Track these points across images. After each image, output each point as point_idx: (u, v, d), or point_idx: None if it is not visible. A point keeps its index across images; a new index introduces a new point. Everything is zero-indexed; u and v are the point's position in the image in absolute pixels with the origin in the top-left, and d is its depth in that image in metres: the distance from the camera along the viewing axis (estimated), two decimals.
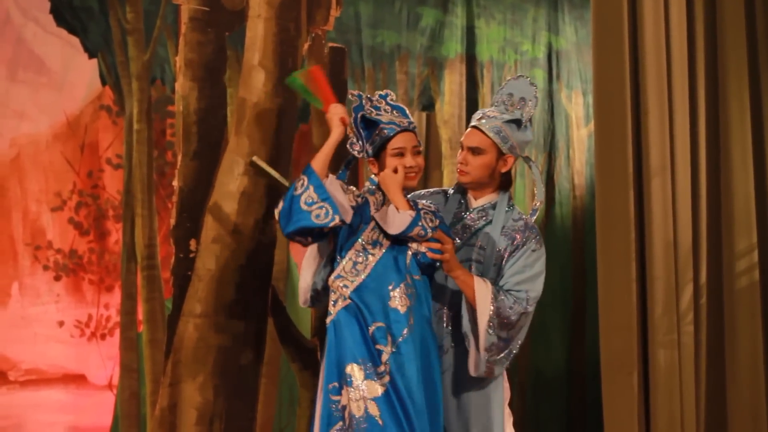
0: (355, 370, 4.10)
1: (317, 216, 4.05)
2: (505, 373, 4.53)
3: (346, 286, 4.17)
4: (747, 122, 5.92)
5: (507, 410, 4.54)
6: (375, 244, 4.21)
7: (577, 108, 6.89)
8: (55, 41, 5.72)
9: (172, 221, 5.77)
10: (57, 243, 5.66)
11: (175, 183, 5.79)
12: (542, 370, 6.71)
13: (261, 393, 5.90)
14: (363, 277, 4.17)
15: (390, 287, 4.16)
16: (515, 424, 4.61)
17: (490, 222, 4.44)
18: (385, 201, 4.26)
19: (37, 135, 5.68)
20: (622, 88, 5.75)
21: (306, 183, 4.07)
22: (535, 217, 4.57)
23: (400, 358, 4.10)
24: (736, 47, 5.92)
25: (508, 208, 4.49)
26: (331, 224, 4.08)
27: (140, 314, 5.74)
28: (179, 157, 5.79)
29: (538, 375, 6.70)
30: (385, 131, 4.24)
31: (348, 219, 4.15)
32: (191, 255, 5.77)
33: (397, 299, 4.16)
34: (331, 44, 6.16)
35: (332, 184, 4.13)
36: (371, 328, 4.12)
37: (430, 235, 4.19)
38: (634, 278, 5.70)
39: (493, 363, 4.30)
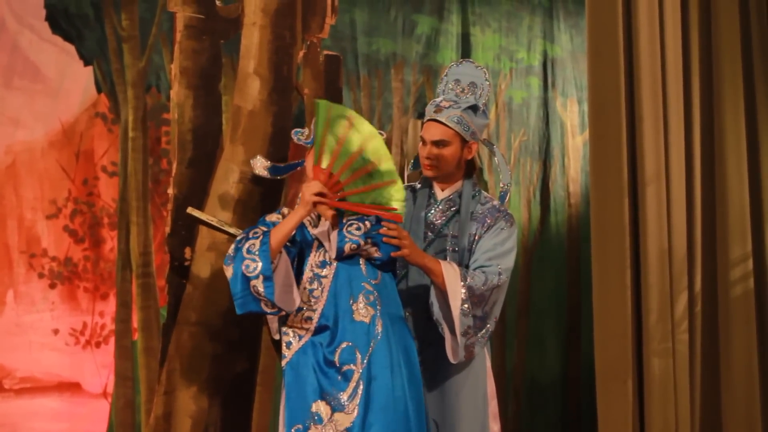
0: (321, 407, 4.06)
1: (266, 304, 4.03)
2: (489, 367, 4.52)
3: (309, 318, 4.12)
4: (742, 130, 5.93)
5: (494, 401, 4.52)
6: (323, 265, 4.17)
7: (572, 116, 6.89)
8: (50, 48, 5.71)
9: (167, 229, 5.77)
10: (52, 251, 5.65)
11: (170, 191, 5.79)
12: (537, 378, 6.70)
13: (256, 401, 5.89)
14: (323, 302, 4.13)
15: (350, 302, 4.12)
16: None
17: (458, 211, 4.45)
18: (319, 218, 4.20)
19: (32, 142, 5.67)
20: (617, 96, 5.76)
21: (258, 269, 4.00)
22: (506, 201, 4.59)
23: (373, 370, 4.06)
24: (731, 55, 5.94)
25: (474, 193, 4.50)
26: (277, 315, 4.10)
27: (135, 322, 5.74)
28: (174, 165, 5.79)
29: (532, 382, 6.69)
30: None
31: (292, 306, 4.09)
32: (186, 263, 5.77)
33: (359, 311, 4.12)
34: (326, 52, 6.17)
35: (279, 271, 4.06)
36: (337, 351, 4.09)
37: (362, 243, 4.14)
38: (628, 286, 5.71)
39: (472, 345, 4.30)
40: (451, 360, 4.31)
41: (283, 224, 4.09)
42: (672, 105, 5.82)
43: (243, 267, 4.01)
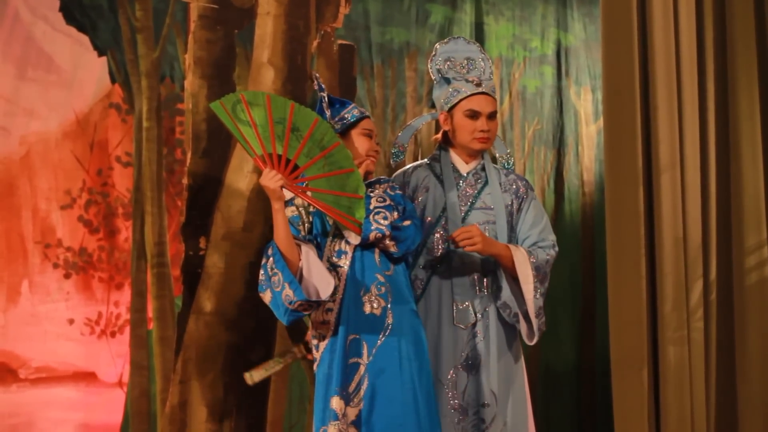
0: (335, 402, 4.05)
1: (302, 306, 4.01)
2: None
3: (330, 309, 4.12)
4: (756, 117, 5.91)
5: (525, 375, 4.60)
6: (340, 254, 4.16)
7: (586, 104, 6.87)
8: (64, 39, 5.72)
9: (182, 219, 5.78)
10: (67, 241, 5.66)
11: (185, 181, 5.80)
12: (552, 367, 6.70)
13: (271, 390, 5.90)
14: (341, 293, 4.13)
15: (361, 293, 4.11)
16: None
17: (487, 182, 4.52)
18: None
19: (46, 133, 5.68)
20: (631, 85, 5.76)
21: (281, 280, 3.99)
22: (513, 165, 4.72)
23: (381, 363, 4.06)
24: (746, 42, 5.92)
25: (495, 165, 4.62)
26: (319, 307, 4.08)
27: (150, 312, 5.75)
28: (188, 155, 5.80)
29: (548, 371, 6.68)
30: (356, 111, 4.24)
31: (326, 294, 4.04)
32: (201, 252, 5.78)
33: (370, 303, 4.11)
34: (340, 41, 6.16)
35: (312, 265, 4.04)
36: (345, 343, 4.08)
37: (387, 233, 4.14)
38: (643, 274, 5.70)
39: (543, 323, 4.46)
40: (528, 342, 4.48)
41: (276, 228, 4.06)
42: (686, 92, 5.81)
43: (272, 285, 4.03)
